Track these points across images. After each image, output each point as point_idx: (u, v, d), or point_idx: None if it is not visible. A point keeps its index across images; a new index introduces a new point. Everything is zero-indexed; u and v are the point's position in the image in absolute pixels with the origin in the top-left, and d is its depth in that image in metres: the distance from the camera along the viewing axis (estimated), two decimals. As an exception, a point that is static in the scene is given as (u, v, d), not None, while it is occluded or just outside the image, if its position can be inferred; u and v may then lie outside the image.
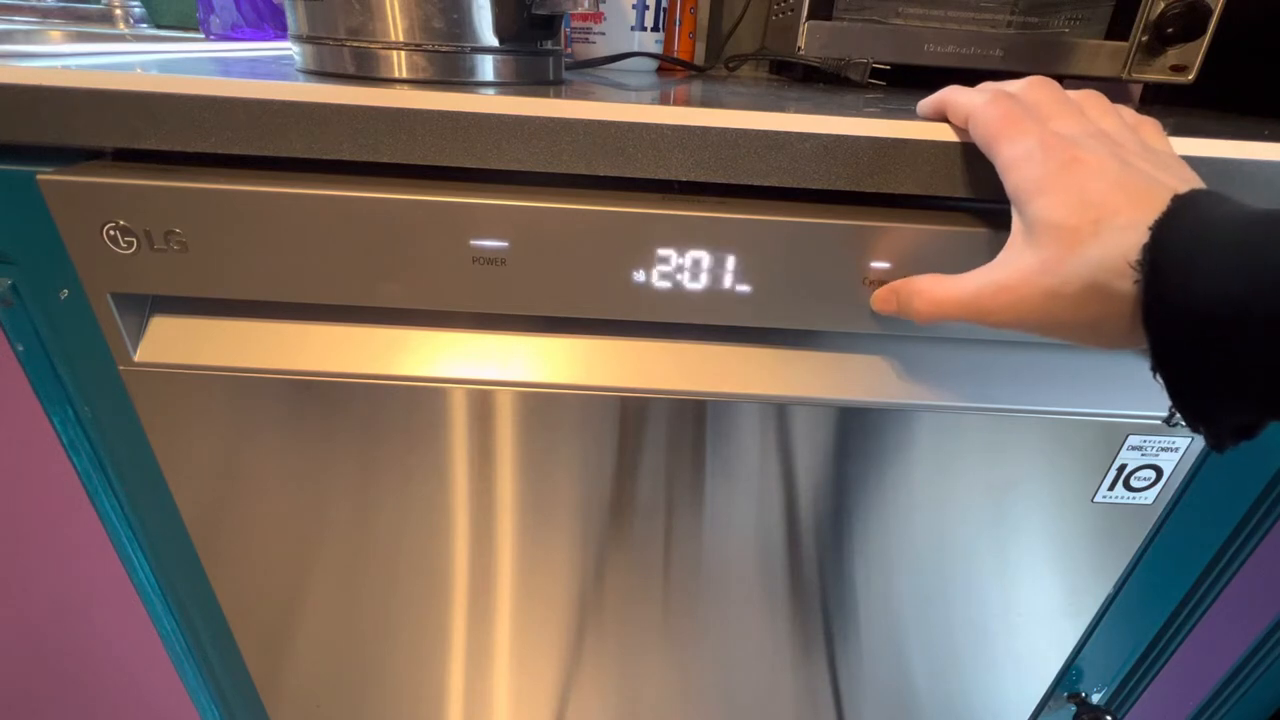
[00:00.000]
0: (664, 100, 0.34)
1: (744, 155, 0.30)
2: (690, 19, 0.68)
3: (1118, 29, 0.60)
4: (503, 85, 0.35)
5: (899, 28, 0.59)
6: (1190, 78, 0.61)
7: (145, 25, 0.79)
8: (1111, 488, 0.38)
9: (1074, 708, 0.50)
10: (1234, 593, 0.45)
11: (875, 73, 0.59)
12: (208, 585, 0.43)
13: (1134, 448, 0.36)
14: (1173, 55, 0.60)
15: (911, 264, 0.31)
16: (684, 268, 0.31)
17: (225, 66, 0.36)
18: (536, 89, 0.34)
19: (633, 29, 0.59)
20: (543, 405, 0.35)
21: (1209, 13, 0.57)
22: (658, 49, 0.62)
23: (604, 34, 0.59)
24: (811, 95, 0.46)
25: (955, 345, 0.35)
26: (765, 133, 0.29)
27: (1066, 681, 0.50)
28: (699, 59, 0.74)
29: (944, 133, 0.30)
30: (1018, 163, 0.26)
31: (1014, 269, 0.25)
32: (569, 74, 0.51)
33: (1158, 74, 0.61)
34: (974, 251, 0.31)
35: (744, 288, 0.31)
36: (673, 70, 0.67)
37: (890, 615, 0.45)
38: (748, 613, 0.45)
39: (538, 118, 0.28)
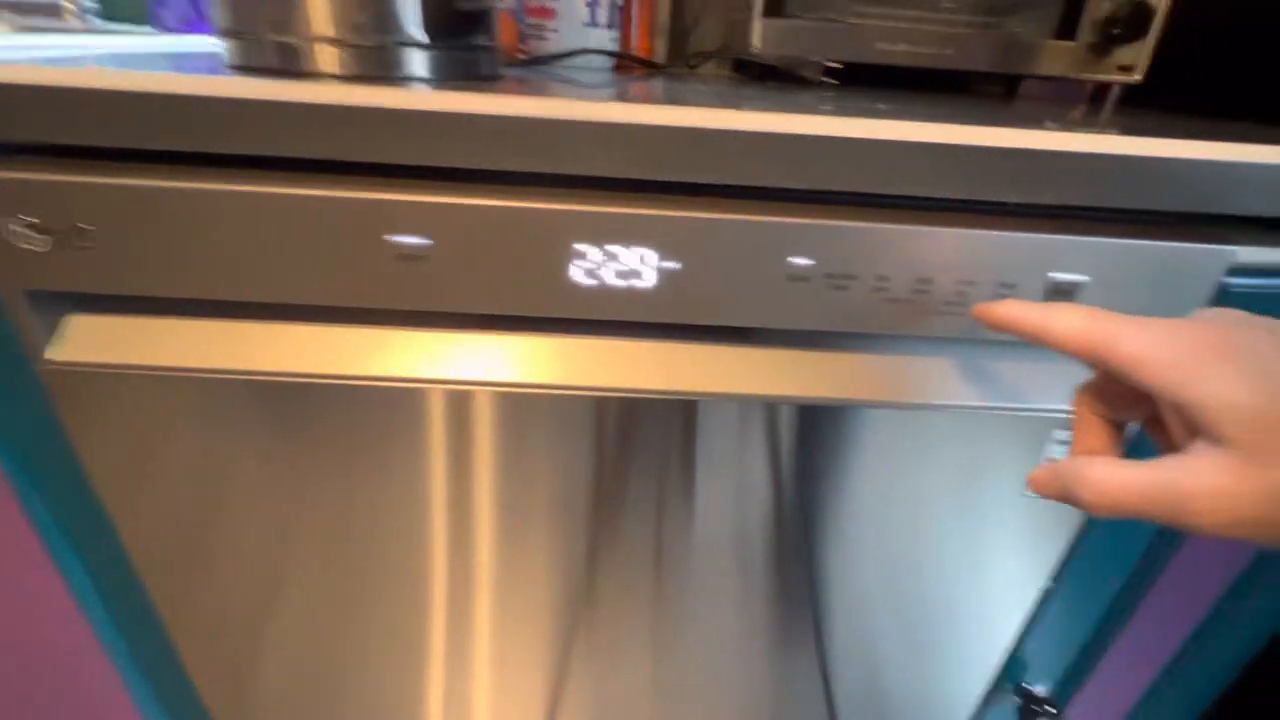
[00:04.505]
0: (602, 97, 0.34)
1: (668, 152, 0.30)
2: (648, 16, 0.68)
3: (1066, 29, 0.60)
4: (432, 81, 0.35)
5: (852, 26, 0.60)
6: (1137, 77, 0.62)
7: (97, 19, 0.78)
8: (1042, 481, 0.38)
9: (1019, 699, 0.50)
10: (1169, 582, 0.46)
11: (828, 71, 0.60)
12: (149, 599, 0.42)
13: (1061, 442, 0.37)
14: (1120, 55, 0.61)
15: (837, 260, 0.31)
16: (610, 265, 0.31)
17: (160, 61, 0.35)
18: (467, 84, 0.34)
19: (586, 25, 0.59)
20: (475, 403, 0.35)
21: (1152, 13, 0.58)
22: (613, 46, 0.62)
23: (556, 31, 0.59)
24: (759, 93, 0.46)
25: (877, 342, 0.35)
26: (688, 129, 0.29)
27: (1011, 673, 0.50)
28: (660, 56, 0.74)
29: (870, 130, 0.30)
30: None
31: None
32: (519, 70, 0.51)
33: (1106, 73, 0.62)
34: (903, 251, 0.31)
35: (669, 283, 0.31)
36: (632, 68, 0.67)
37: (834, 612, 0.45)
38: (715, 611, 0.45)
39: (458, 113, 0.28)
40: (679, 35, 0.81)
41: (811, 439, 0.37)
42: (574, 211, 0.30)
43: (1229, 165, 0.30)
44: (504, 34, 0.59)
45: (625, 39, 0.67)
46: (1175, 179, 0.31)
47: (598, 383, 0.34)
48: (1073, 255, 0.32)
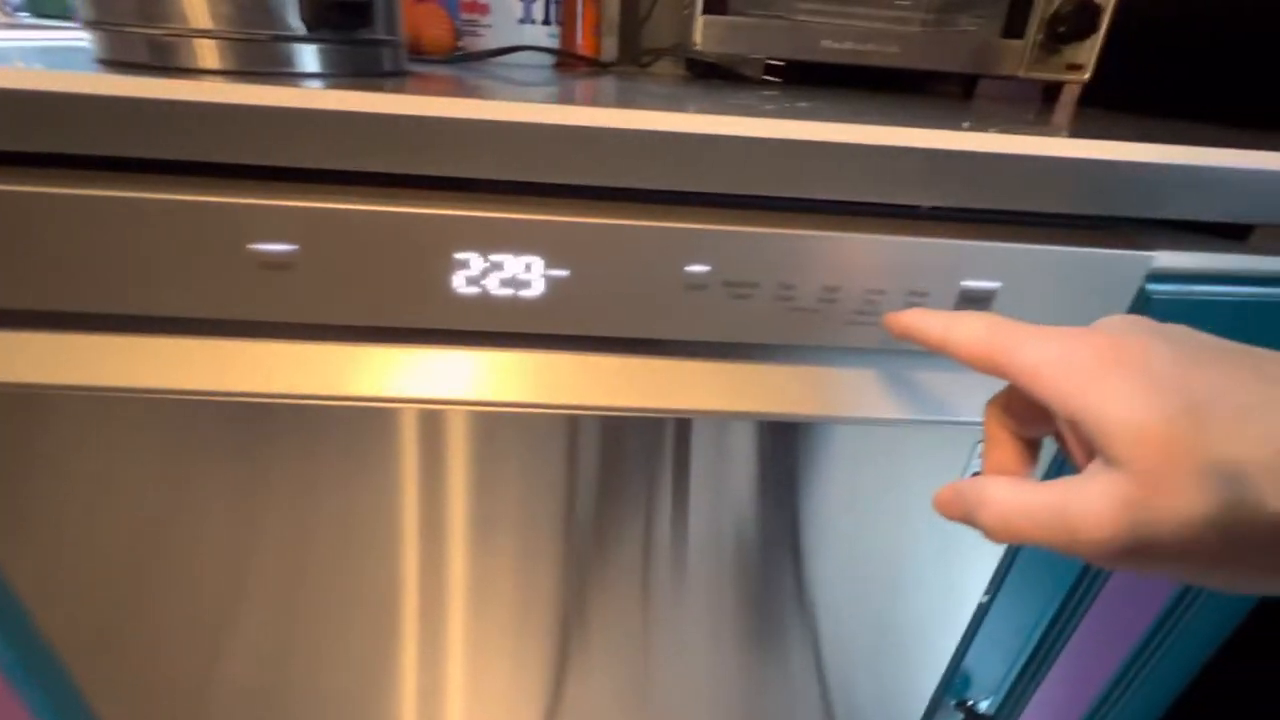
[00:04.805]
0: (507, 96, 0.32)
1: (553, 153, 0.28)
2: (593, 12, 0.66)
3: (1014, 27, 0.59)
4: (324, 77, 0.33)
5: (796, 23, 0.58)
6: (1086, 76, 0.61)
7: (23, 13, 0.75)
8: (968, 496, 0.37)
9: (961, 716, 0.49)
10: (1111, 594, 0.45)
11: (772, 69, 0.58)
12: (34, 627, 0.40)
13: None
14: (1069, 54, 0.60)
15: (736, 268, 0.29)
16: (495, 273, 0.29)
17: (51, 56, 0.33)
18: (359, 81, 0.32)
19: (521, 22, 0.57)
20: (399, 419, 0.33)
21: (1099, 11, 0.57)
22: (552, 43, 0.60)
23: (491, 27, 0.57)
24: (690, 93, 0.44)
25: (800, 353, 0.34)
26: (573, 129, 0.27)
27: (954, 688, 0.49)
28: (609, 54, 0.72)
29: (770, 129, 0.28)
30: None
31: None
32: (446, 68, 0.49)
33: (1055, 72, 0.61)
34: (808, 258, 0.29)
35: (557, 293, 0.29)
36: (575, 66, 0.65)
37: (773, 629, 0.44)
38: (657, 629, 0.43)
39: (318, 111, 0.26)
40: (631, 32, 0.80)
41: (734, 452, 0.36)
42: (454, 217, 0.28)
43: (1145, 167, 0.29)
44: (436, 29, 0.57)
45: (569, 36, 0.65)
46: (1091, 181, 0.29)
47: (483, 397, 0.32)
48: (986, 261, 0.30)
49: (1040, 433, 0.25)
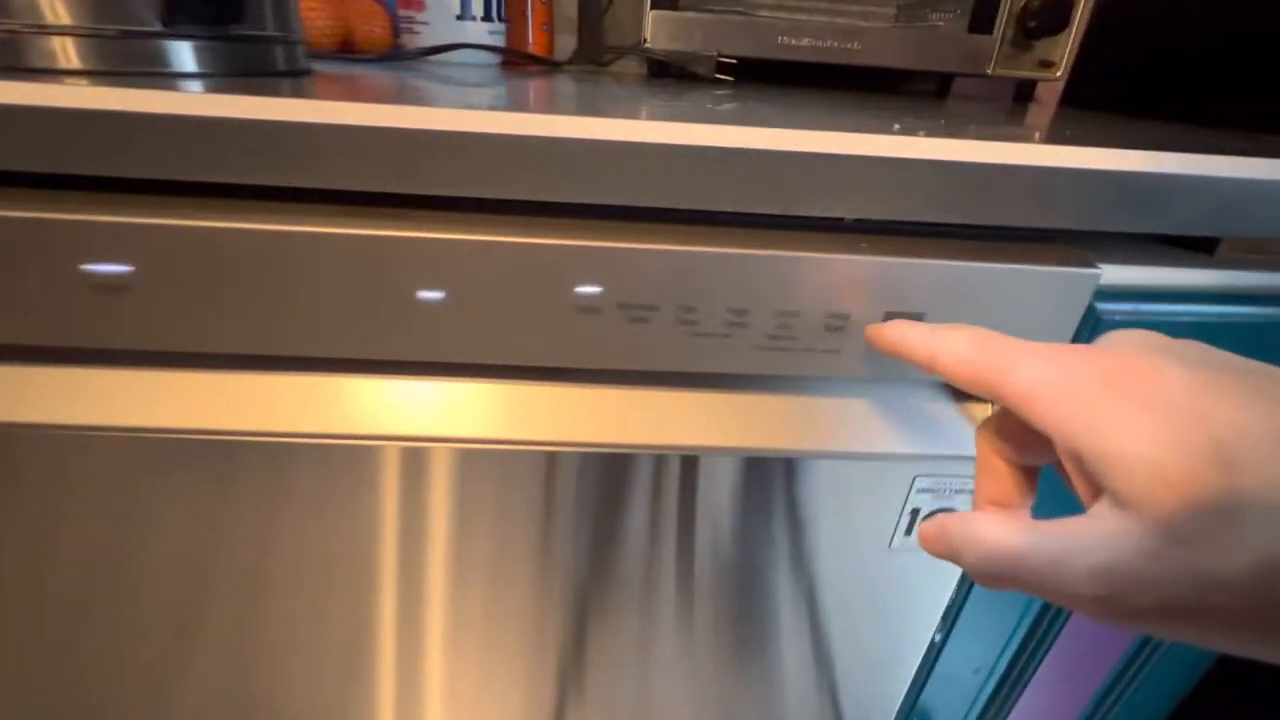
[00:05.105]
0: (398, 100, 0.29)
1: (417, 162, 0.25)
2: (543, 9, 0.63)
3: (982, 22, 0.56)
4: (199, 77, 0.30)
5: (751, 19, 0.55)
6: (1059, 74, 0.58)
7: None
8: (909, 533, 0.34)
9: (920, 757, 0.46)
10: (1075, 632, 0.42)
11: (725, 67, 0.55)
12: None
13: (925, 490, 0.32)
14: (1041, 50, 0.57)
15: (632, 288, 0.26)
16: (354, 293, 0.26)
17: None
18: (241, 82, 0.29)
19: (459, 18, 0.54)
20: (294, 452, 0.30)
21: (1070, 4, 0.53)
22: (495, 41, 0.57)
23: (428, 24, 0.54)
24: (625, 93, 0.41)
25: (716, 383, 0.31)
26: (444, 134, 0.24)
27: (912, 729, 0.46)
28: (564, 52, 0.69)
29: (668, 134, 0.25)
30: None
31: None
32: (373, 67, 0.46)
33: (1027, 70, 0.58)
34: (710, 277, 0.26)
35: (430, 317, 0.26)
36: (526, 65, 0.62)
37: (728, 668, 0.41)
38: (618, 667, 0.40)
39: (159, 115, 0.23)
40: (593, 30, 0.76)
41: (684, 487, 0.33)
42: (308, 234, 0.25)
43: (1087, 173, 0.26)
44: (370, 25, 0.54)
45: (518, 33, 0.62)
46: (1029, 189, 0.26)
47: (361, 430, 0.29)
48: (914, 280, 0.27)
49: (1038, 460, 0.22)
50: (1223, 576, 0.14)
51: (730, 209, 0.26)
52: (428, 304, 0.26)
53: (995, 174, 0.26)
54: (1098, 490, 0.17)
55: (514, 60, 0.61)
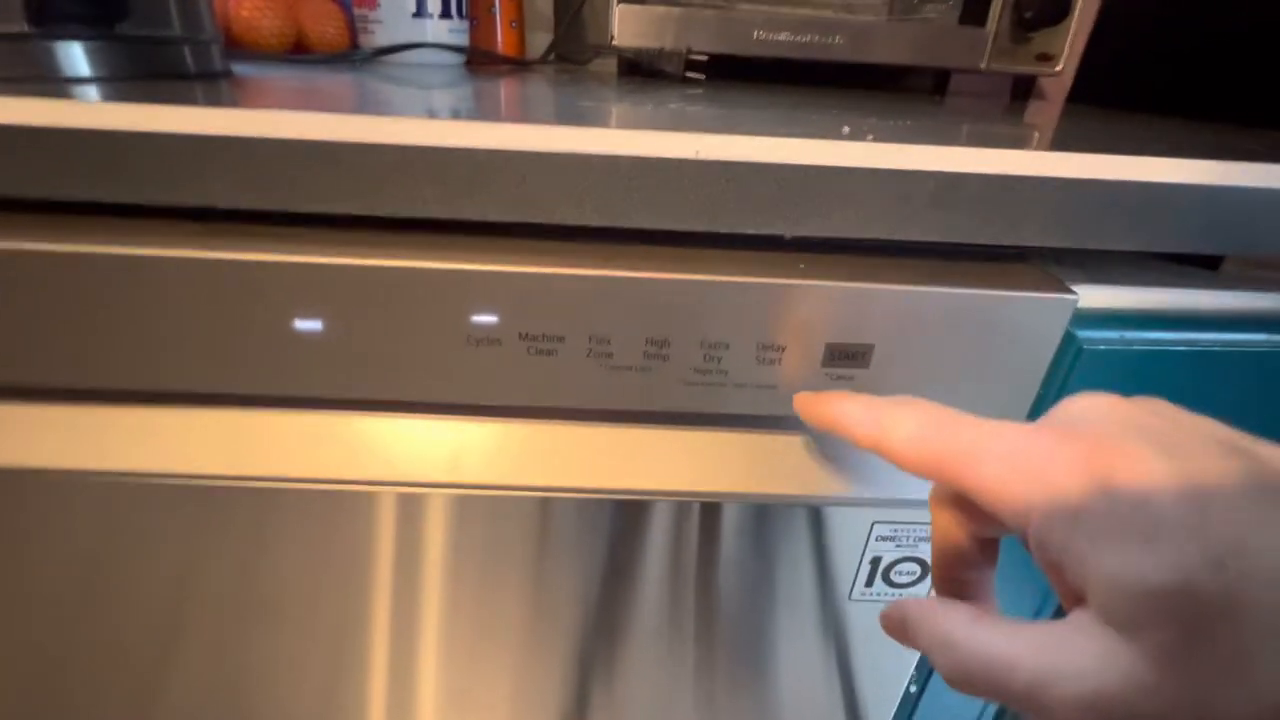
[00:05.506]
0: (319, 104, 0.26)
1: (283, 174, 0.22)
2: (511, 6, 0.60)
3: (974, 12, 0.52)
4: (97, 81, 0.27)
5: (724, 12, 0.51)
6: (1058, 69, 0.53)
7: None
8: (870, 584, 0.30)
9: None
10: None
11: (694, 64, 0.52)
12: None
13: (884, 538, 0.28)
14: (1039, 43, 0.53)
15: (532, 317, 0.23)
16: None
17: None
18: (134, 86, 0.26)
19: (415, 16, 0.51)
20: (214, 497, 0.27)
21: (1070, -8, 0.49)
22: (456, 39, 0.54)
23: (381, 22, 0.51)
24: (578, 94, 0.38)
25: (649, 424, 0.27)
26: (320, 144, 0.21)
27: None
28: (535, 50, 0.66)
29: (561, 141, 0.22)
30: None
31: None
32: (313, 70, 0.44)
33: (1023, 65, 0.54)
34: (623, 304, 0.23)
35: (306, 350, 0.23)
36: (494, 66, 0.59)
37: (698, 711, 0.37)
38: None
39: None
40: (572, 27, 0.73)
41: (647, 532, 0.29)
42: (164, 258, 0.22)
43: (1064, 182, 0.22)
44: (323, 25, 0.52)
45: (486, 31, 0.59)
46: (987, 201, 0.23)
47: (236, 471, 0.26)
48: (859, 309, 0.23)
49: (1002, 533, 0.19)
50: (1249, 716, 0.12)
51: (647, 226, 0.23)
52: (305, 334, 0.23)
53: (946, 184, 0.22)
54: (1078, 594, 0.15)
55: (480, 60, 0.58)
